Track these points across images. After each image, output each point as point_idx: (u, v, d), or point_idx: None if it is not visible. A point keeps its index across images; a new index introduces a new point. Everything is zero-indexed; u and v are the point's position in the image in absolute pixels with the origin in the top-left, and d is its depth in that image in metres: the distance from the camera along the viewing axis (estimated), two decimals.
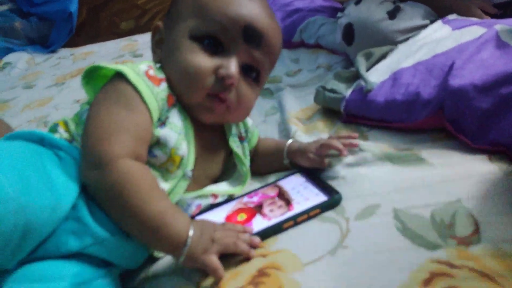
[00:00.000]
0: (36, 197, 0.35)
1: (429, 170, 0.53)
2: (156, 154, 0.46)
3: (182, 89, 0.48)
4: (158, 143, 0.46)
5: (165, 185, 0.47)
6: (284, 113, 0.79)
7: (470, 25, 0.74)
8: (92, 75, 0.49)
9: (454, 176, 0.50)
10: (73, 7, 1.91)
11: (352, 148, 0.59)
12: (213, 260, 0.40)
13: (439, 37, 0.74)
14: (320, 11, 1.24)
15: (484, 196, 0.45)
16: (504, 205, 0.43)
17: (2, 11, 1.97)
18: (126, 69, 0.44)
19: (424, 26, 0.84)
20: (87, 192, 0.41)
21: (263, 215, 0.50)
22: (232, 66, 0.47)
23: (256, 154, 0.64)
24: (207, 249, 0.41)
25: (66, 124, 0.48)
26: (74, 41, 2.01)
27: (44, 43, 1.99)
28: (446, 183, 0.49)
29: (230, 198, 0.56)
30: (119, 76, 0.45)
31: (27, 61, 1.86)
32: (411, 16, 0.84)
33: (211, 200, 0.53)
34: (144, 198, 0.40)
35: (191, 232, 0.41)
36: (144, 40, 1.89)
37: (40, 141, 0.44)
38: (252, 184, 0.61)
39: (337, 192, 0.51)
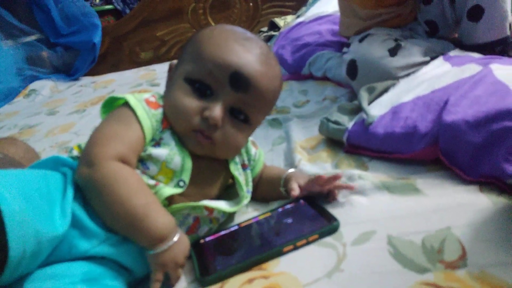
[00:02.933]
0: (40, 212, 0.42)
1: (423, 200, 0.56)
2: (149, 167, 0.52)
3: (172, 121, 0.54)
4: (150, 157, 0.52)
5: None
6: (290, 143, 0.84)
7: (468, 63, 0.78)
8: (109, 105, 0.57)
9: (446, 205, 0.53)
10: (97, 38, 2.04)
11: (351, 178, 0.63)
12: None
13: (439, 73, 0.78)
14: (328, 45, 1.31)
15: (472, 224, 0.49)
16: (491, 233, 0.46)
17: (30, 40, 2.11)
18: (130, 96, 0.53)
19: (424, 63, 0.89)
20: (84, 197, 0.47)
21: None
22: (216, 109, 0.51)
23: (259, 181, 0.68)
24: (184, 258, 0.48)
25: (79, 147, 0.56)
26: (96, 69, 2.13)
27: (68, 71, 2.11)
28: (438, 212, 0.52)
29: (235, 224, 0.60)
30: (125, 102, 0.53)
31: (51, 89, 1.97)
32: (411, 53, 0.89)
33: (205, 214, 0.56)
34: (130, 190, 0.46)
35: (177, 237, 0.47)
36: (161, 70, 1.99)
37: (55, 162, 0.52)
38: (257, 210, 0.65)
39: (335, 220, 0.55)
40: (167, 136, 0.54)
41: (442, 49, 0.95)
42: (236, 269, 0.50)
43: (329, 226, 0.54)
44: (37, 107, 1.71)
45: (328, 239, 0.53)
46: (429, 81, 0.76)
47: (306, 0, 1.77)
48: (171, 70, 0.61)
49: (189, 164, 0.54)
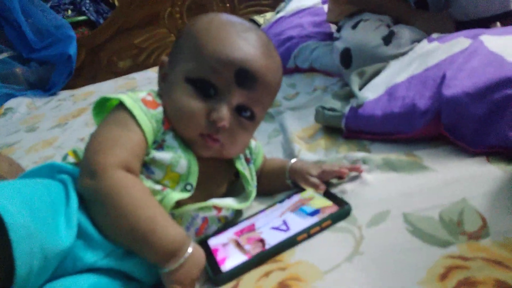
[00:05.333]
0: (45, 224, 0.38)
1: (432, 175, 0.55)
2: (153, 171, 0.49)
3: (177, 126, 0.51)
4: (154, 161, 0.49)
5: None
6: (286, 134, 0.82)
7: (456, 37, 0.78)
8: (101, 107, 0.54)
9: (456, 178, 0.52)
10: (72, 49, 1.98)
11: (355, 162, 0.62)
12: None
13: (429, 51, 0.78)
14: (311, 36, 1.30)
15: (487, 194, 0.48)
16: (507, 200, 0.46)
17: (2, 58, 2.03)
18: (125, 97, 0.49)
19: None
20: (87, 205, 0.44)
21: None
22: (223, 110, 0.49)
23: (261, 174, 0.66)
24: (200, 272, 0.44)
25: (75, 152, 0.53)
26: (73, 83, 2.07)
27: (44, 86, 2.04)
28: (450, 185, 0.51)
29: (243, 219, 0.58)
30: (120, 103, 0.49)
31: (28, 105, 1.90)
32: (404, 39, 0.89)
33: (214, 213, 0.54)
34: (135, 203, 0.43)
35: (190, 249, 0.43)
36: (142, 77, 1.94)
37: (50, 170, 0.48)
38: (262, 203, 0.63)
39: (346, 203, 0.53)
40: (170, 138, 0.51)
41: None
42: (250, 264, 0.48)
43: (341, 210, 0.52)
44: (15, 125, 1.65)
45: (342, 224, 0.51)
46: (420, 60, 0.76)
47: None
48: (162, 67, 0.57)
49: (195, 167, 0.52)
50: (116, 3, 2.52)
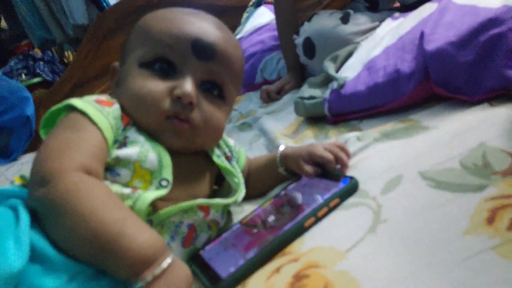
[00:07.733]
0: None
1: (436, 132, 0.49)
2: (119, 173, 0.42)
3: (137, 116, 0.45)
4: (118, 161, 0.42)
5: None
6: (268, 135, 0.76)
7: (422, 6, 0.75)
8: (51, 124, 0.46)
9: (463, 128, 0.47)
10: (30, 111, 1.88)
11: (349, 141, 0.55)
12: None
13: (398, 24, 0.75)
14: (273, 49, 1.28)
15: (503, 134, 0.42)
16: None
17: None
18: (74, 100, 0.43)
19: (376, 27, 0.87)
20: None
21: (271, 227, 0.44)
22: (186, 84, 0.44)
23: (249, 174, 0.59)
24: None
25: (22, 177, 0.44)
26: (35, 145, 1.95)
27: (5, 153, 1.92)
28: (459, 136, 0.46)
29: (236, 223, 0.50)
30: (71, 109, 0.43)
31: None
32: (361, 19, 0.88)
33: (201, 216, 0.45)
34: (99, 205, 0.34)
35: (170, 258, 0.34)
36: None
37: None
38: (256, 204, 0.54)
39: (351, 177, 0.46)
40: (133, 133, 0.44)
41: (387, 16, 0.95)
42: (255, 263, 0.39)
43: (348, 185, 0.45)
44: None
45: (352, 200, 0.44)
46: (391, 32, 0.73)
47: (239, 21, 1.76)
48: (114, 72, 0.52)
49: (167, 159, 0.44)
50: (71, 60, 2.48)
